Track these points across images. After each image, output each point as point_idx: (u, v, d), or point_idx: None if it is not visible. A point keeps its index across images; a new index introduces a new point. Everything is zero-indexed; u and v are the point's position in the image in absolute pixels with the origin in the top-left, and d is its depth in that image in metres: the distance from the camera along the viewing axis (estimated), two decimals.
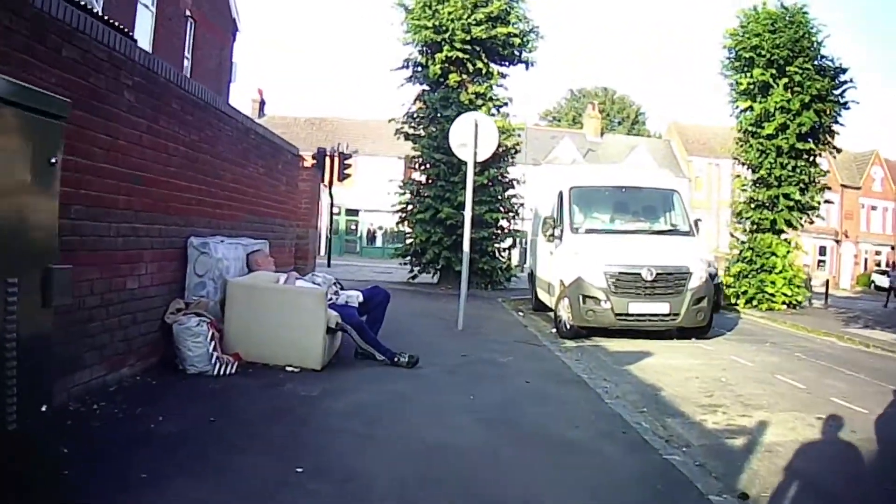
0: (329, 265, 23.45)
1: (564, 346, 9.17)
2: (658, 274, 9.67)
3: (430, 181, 16.78)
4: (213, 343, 5.55)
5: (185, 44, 13.49)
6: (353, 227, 42.15)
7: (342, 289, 7.24)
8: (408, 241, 17.05)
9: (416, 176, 17.48)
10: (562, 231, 10.69)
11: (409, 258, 17.07)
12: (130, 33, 5.96)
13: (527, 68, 17.24)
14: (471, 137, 9.63)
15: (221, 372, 5.54)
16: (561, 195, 11.08)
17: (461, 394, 5.67)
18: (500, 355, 7.59)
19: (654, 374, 7.47)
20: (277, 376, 5.73)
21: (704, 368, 8.06)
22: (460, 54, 16.01)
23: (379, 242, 40.36)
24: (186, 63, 13.57)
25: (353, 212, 40.81)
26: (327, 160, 22.17)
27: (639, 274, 9.64)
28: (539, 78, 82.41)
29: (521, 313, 12.49)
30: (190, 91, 5.91)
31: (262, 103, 42.58)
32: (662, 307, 9.68)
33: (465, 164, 9.88)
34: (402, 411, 4.94)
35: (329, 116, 41.47)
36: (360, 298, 7.08)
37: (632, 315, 9.60)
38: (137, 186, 5.13)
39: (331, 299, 6.75)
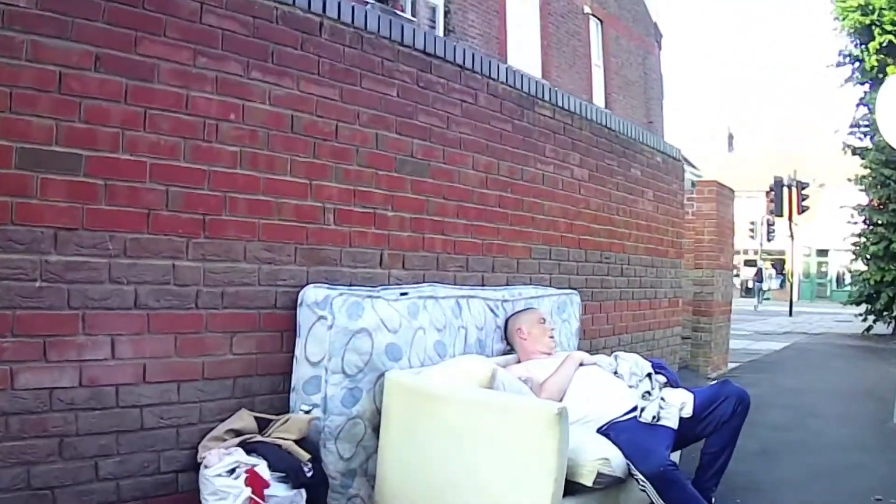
0: (790, 314, 20.05)
1: None
2: None
3: (880, 205, 13.01)
4: None
5: (592, 47, 10.44)
6: (824, 268, 37.42)
7: (667, 385, 3.12)
8: (861, 282, 13.29)
9: (866, 200, 13.84)
10: None
11: (863, 304, 13.16)
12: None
13: None
14: None
15: None
16: None
17: None
18: None
19: None
20: None
21: None
22: (894, 38, 12.56)
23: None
24: (597, 70, 10.51)
25: (822, 252, 36.35)
26: (784, 191, 17.87)
27: None
28: None
29: None
30: None
31: (731, 137, 37.63)
32: None
33: None
34: None
35: (795, 148, 35.90)
36: (688, 411, 2.89)
37: None
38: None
39: (631, 412, 2.77)
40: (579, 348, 4.20)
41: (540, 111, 4.39)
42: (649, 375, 3.18)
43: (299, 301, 2.84)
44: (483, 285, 3.91)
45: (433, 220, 3.56)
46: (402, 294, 3.16)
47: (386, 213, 3.28)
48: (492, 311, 3.66)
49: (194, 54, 2.56)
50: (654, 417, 2.90)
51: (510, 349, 3.70)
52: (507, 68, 4.17)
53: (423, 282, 3.49)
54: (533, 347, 3.55)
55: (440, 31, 7.78)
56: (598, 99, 10.37)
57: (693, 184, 6.80)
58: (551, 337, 3.62)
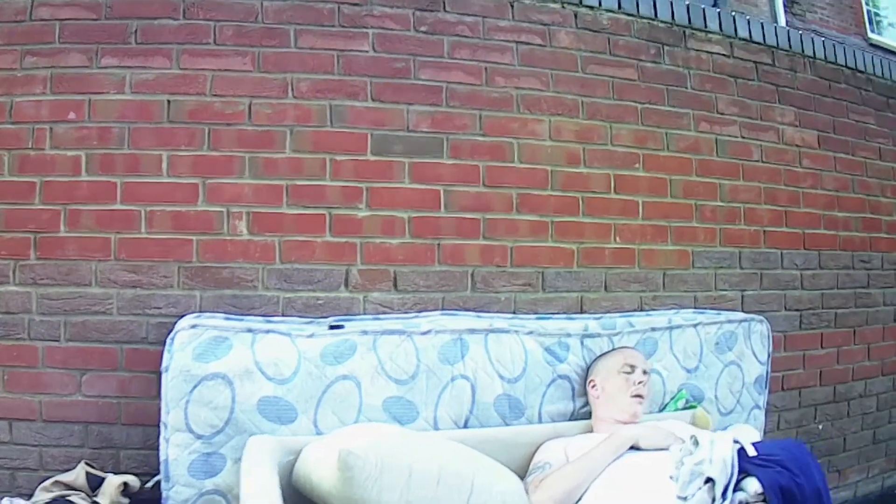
0: None
1: None
2: None
3: None
4: None
5: None
6: None
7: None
8: None
9: None
10: None
11: None
12: None
13: None
14: None
15: None
16: None
17: None
18: None
19: None
20: None
21: None
22: None
23: None
24: None
25: None
26: None
27: None
28: None
29: None
30: None
31: None
32: None
33: None
34: None
35: None
36: None
37: None
38: None
39: None
40: (766, 405, 2.36)
41: (700, 47, 2.66)
42: (711, 482, 1.44)
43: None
44: (581, 311, 2.44)
45: (460, 218, 2.33)
46: (334, 327, 2.06)
47: (353, 213, 2.23)
48: (549, 352, 2.22)
49: (21, 56, 2.03)
50: None
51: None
52: None
53: (441, 309, 2.28)
54: (605, 411, 2.03)
55: (780, 6, 5.83)
56: None
57: None
58: (637, 396, 2.00)
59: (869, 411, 2.92)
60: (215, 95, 2.14)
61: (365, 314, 2.21)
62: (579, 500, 1.72)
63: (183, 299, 2.07)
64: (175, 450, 1.85)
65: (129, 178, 2.07)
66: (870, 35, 6.37)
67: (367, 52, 2.28)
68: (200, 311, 2.07)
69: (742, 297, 2.69)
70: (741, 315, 2.55)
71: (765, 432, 2.65)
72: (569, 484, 1.72)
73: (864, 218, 2.94)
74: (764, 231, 2.74)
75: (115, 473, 1.97)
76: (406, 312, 2.25)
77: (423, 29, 2.34)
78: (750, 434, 2.15)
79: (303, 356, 1.95)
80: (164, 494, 1.85)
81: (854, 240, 2.91)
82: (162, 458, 1.85)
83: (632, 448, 1.82)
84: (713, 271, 2.66)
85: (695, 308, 2.62)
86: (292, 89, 2.20)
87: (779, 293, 2.75)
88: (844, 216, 2.89)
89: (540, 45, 2.47)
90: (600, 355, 2.20)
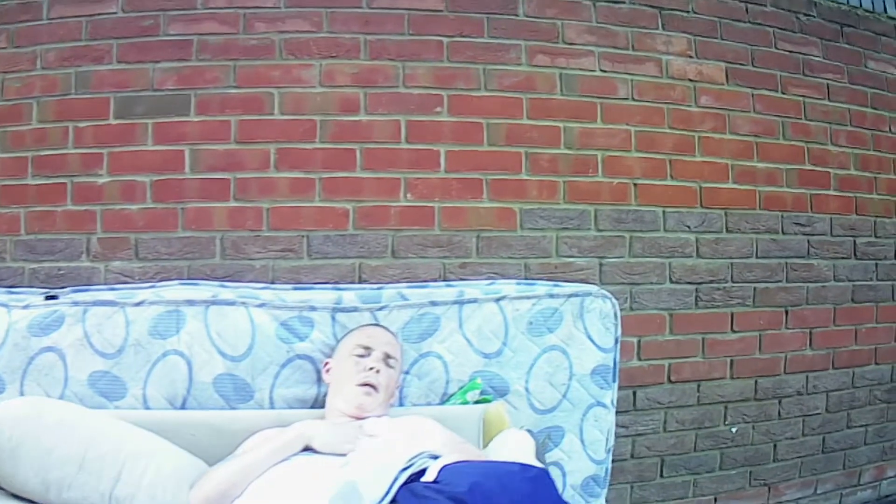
0: None
1: None
2: None
3: None
4: None
5: None
6: None
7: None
8: None
9: None
10: None
11: None
12: None
13: None
14: None
15: None
16: None
17: None
18: None
19: None
20: None
21: None
22: None
23: None
24: None
25: None
26: None
27: None
28: None
29: None
30: None
31: None
32: None
33: None
34: None
35: None
36: None
37: None
38: None
39: None
40: (614, 403, 1.75)
41: None
42: None
43: None
44: (360, 281, 2.02)
45: (207, 179, 2.07)
46: (50, 297, 1.91)
47: (94, 180, 2.09)
48: (285, 327, 1.83)
49: None
50: None
51: None
52: None
53: (185, 279, 2.05)
54: (333, 400, 1.65)
55: None
56: None
57: None
58: (367, 385, 1.57)
59: (814, 412, 1.95)
60: None
61: (103, 284, 2.00)
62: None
63: None
64: None
65: None
66: None
67: (114, 13, 2.11)
68: None
69: (600, 265, 1.97)
70: (570, 288, 1.85)
71: (624, 437, 1.90)
72: (223, 484, 1.35)
73: (800, 170, 2.01)
74: (635, 184, 1.99)
75: None
76: (146, 282, 1.99)
77: None
78: (518, 445, 1.53)
79: (12, 326, 1.80)
80: None
81: (784, 197, 2.00)
82: None
83: (309, 449, 1.39)
84: (553, 234, 1.99)
85: (525, 279, 1.98)
86: (41, 61, 2.11)
87: (660, 261, 1.97)
88: (767, 167, 1.99)
89: None
90: (345, 334, 1.74)
